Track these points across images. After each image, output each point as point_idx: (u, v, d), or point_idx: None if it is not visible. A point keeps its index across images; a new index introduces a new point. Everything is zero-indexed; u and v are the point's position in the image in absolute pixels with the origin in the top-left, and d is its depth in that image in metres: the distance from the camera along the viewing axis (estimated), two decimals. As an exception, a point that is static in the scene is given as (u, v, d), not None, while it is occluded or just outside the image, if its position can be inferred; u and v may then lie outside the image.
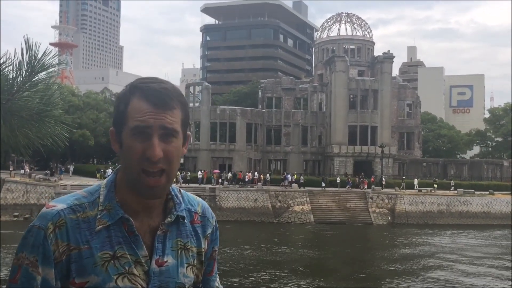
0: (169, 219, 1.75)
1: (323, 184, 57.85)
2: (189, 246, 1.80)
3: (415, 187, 58.92)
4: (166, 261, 1.71)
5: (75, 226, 1.63)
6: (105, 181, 1.76)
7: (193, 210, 1.87)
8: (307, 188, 56.36)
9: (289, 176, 60.23)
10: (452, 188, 59.24)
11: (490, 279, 28.08)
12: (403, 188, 58.38)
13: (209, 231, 1.90)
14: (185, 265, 1.76)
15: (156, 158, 1.60)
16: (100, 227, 1.64)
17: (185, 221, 1.81)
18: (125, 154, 1.65)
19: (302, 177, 59.63)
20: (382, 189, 57.30)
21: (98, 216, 1.66)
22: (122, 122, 1.66)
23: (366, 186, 57.76)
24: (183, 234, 1.79)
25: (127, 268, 1.63)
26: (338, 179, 59.71)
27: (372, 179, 61.16)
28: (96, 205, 1.68)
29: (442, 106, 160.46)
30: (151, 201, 1.72)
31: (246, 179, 57.86)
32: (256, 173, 61.50)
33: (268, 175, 61.61)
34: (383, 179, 60.70)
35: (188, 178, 58.95)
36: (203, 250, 1.85)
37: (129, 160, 1.64)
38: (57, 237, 1.61)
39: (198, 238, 1.84)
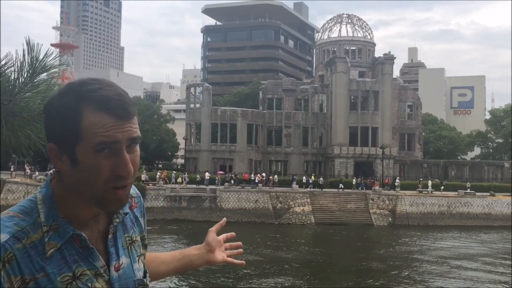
0: (117, 220, 1.65)
1: (341, 186, 58.06)
2: (135, 238, 1.72)
3: (428, 189, 58.81)
4: (122, 263, 1.62)
5: (24, 256, 1.43)
6: (39, 196, 1.54)
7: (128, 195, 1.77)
8: (307, 189, 56.40)
9: (304, 178, 60.47)
10: (468, 189, 58.74)
11: (490, 280, 28.06)
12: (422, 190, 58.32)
13: (142, 208, 1.83)
14: (137, 259, 1.70)
15: (131, 175, 1.49)
16: (51, 251, 1.46)
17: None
18: (86, 174, 1.47)
19: (321, 178, 59.80)
20: (396, 191, 57.30)
21: (46, 239, 1.47)
22: (73, 138, 1.45)
23: (377, 187, 57.84)
24: (128, 227, 1.71)
25: (89, 284, 1.51)
26: (354, 181, 59.69)
27: (387, 180, 61.04)
28: (39, 226, 1.48)
29: (443, 107, 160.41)
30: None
31: (257, 180, 57.77)
32: (263, 173, 61.61)
33: (276, 176, 61.64)
34: (397, 181, 60.65)
35: (198, 179, 58.65)
36: (145, 233, 1.78)
37: (93, 179, 1.46)
38: (8, 273, 1.40)
39: (138, 223, 1.77)
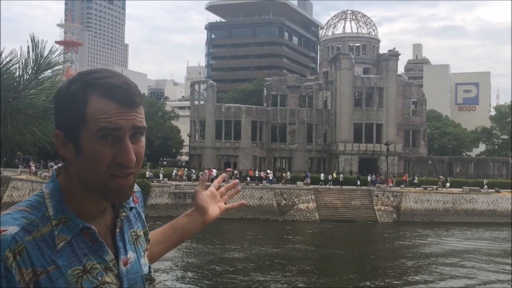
0: (124, 214, 1.65)
1: (358, 182, 58.33)
2: (139, 233, 1.72)
3: (447, 185, 58.90)
4: (129, 258, 1.62)
5: (35, 249, 1.42)
6: (46, 190, 1.54)
7: None
8: (311, 186, 56.43)
9: (321, 175, 60.60)
10: (486, 186, 58.52)
11: (492, 277, 28.02)
12: (442, 187, 58.42)
13: (142, 204, 1.83)
14: (142, 254, 1.70)
15: (132, 164, 1.48)
16: (61, 244, 1.46)
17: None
18: (89, 161, 1.47)
19: (341, 175, 59.88)
20: (415, 188, 57.32)
21: (56, 232, 1.46)
22: (78, 125, 1.47)
23: (391, 184, 57.76)
24: (132, 223, 1.71)
25: (100, 278, 1.50)
26: (369, 178, 59.67)
27: (404, 177, 60.96)
28: (47, 220, 1.48)
29: (448, 103, 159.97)
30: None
31: (270, 178, 57.86)
32: (267, 170, 61.75)
33: (288, 173, 61.44)
34: (416, 178, 60.70)
35: (213, 176, 58.81)
36: (147, 228, 1.78)
37: (95, 167, 1.47)
38: (19, 265, 1.39)
39: (141, 218, 1.76)
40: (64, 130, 1.50)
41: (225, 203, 2.02)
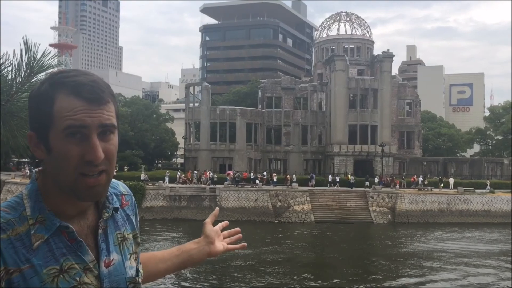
0: (107, 214, 1.64)
1: (367, 184, 58.43)
2: (126, 235, 1.71)
3: (450, 187, 59.06)
4: (112, 259, 1.61)
5: (9, 247, 1.44)
6: (25, 191, 1.56)
7: (118, 193, 1.76)
8: (306, 188, 56.43)
9: (329, 177, 60.83)
10: (488, 186, 58.72)
11: (490, 278, 28.08)
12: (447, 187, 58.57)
13: (134, 207, 1.82)
14: (128, 256, 1.68)
15: (99, 161, 1.47)
16: (37, 243, 1.47)
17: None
18: (58, 160, 1.48)
19: (352, 177, 59.97)
20: (423, 189, 57.46)
21: (32, 231, 1.47)
22: (46, 124, 1.48)
23: (398, 186, 57.79)
24: (119, 225, 1.69)
25: (78, 279, 1.50)
26: (376, 179, 59.54)
27: (412, 179, 60.78)
28: (25, 220, 1.49)
29: (442, 104, 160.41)
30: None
31: (275, 180, 58.03)
32: (264, 173, 61.74)
33: (294, 175, 61.47)
34: (426, 179, 60.81)
35: (216, 179, 58.61)
36: (137, 231, 1.77)
37: (64, 165, 1.47)
38: None
39: (130, 221, 1.75)
40: (36, 130, 1.52)
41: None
